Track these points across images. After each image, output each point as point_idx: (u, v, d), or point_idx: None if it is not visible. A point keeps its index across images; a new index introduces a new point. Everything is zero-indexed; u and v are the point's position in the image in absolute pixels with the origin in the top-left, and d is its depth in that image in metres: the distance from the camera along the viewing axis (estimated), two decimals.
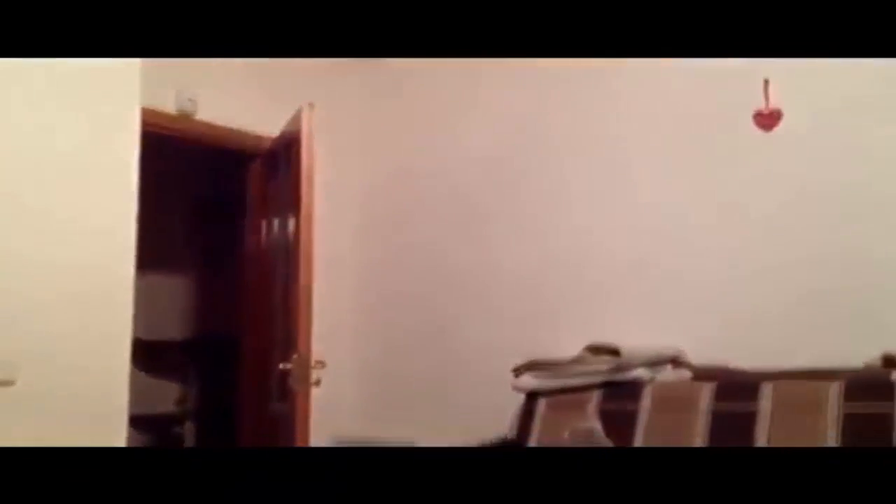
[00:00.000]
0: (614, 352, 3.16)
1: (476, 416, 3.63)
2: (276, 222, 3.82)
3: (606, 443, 2.63)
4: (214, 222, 5.16)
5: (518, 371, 3.36)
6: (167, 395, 5.44)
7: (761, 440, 2.80)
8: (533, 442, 3.19)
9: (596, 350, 3.23)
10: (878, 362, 2.87)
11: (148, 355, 4.89)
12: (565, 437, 2.71)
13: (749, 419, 2.87)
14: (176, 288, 5.62)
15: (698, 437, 2.90)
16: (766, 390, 2.90)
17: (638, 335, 3.25)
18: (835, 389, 2.80)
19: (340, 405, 3.98)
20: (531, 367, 3.34)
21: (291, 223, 3.53)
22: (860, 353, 2.88)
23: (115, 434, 2.97)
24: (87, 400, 2.90)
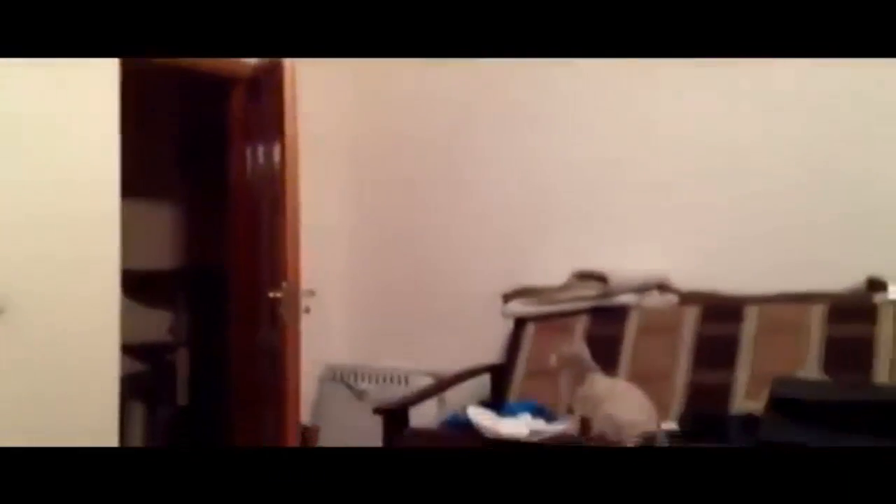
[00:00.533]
0: (601, 278, 3.18)
1: (466, 342, 3.66)
2: (260, 150, 3.78)
3: (593, 366, 2.66)
4: (201, 151, 5.11)
5: (507, 297, 3.40)
6: (159, 324, 5.48)
7: (745, 363, 2.84)
8: (521, 367, 3.24)
9: (583, 276, 3.25)
10: (863, 286, 2.90)
11: (139, 285, 4.92)
12: (552, 362, 2.74)
13: (733, 342, 2.91)
14: (164, 218, 5.59)
15: (683, 360, 2.95)
16: (751, 313, 2.94)
17: (625, 262, 3.27)
18: (818, 312, 2.83)
19: (331, 333, 4.01)
20: (520, 293, 3.37)
21: (276, 151, 3.50)
22: (845, 277, 2.90)
23: (107, 362, 3.01)
24: (79, 328, 2.94)
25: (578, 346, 2.83)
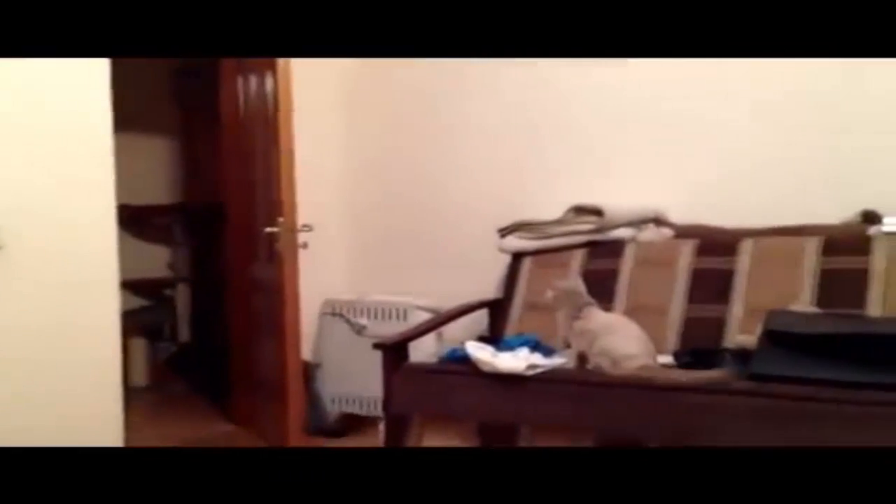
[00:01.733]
0: (597, 212, 3.19)
1: (463, 277, 3.69)
2: (253, 82, 3.73)
3: (589, 300, 2.69)
4: (195, 83, 5.04)
5: (504, 232, 3.40)
6: (158, 260, 5.50)
7: (739, 296, 2.87)
8: (518, 301, 3.26)
9: (579, 211, 3.25)
10: (857, 219, 2.91)
11: (135, 220, 4.92)
12: (548, 297, 2.76)
13: (728, 275, 2.93)
14: (161, 152, 5.57)
15: (678, 294, 2.97)
16: (746, 247, 2.95)
17: (621, 196, 3.27)
18: (812, 244, 2.85)
19: (329, 268, 4.03)
20: (516, 228, 3.37)
21: (269, 82, 3.45)
22: (839, 211, 2.91)
23: (107, 297, 3.03)
24: (77, 263, 2.94)
25: (574, 280, 2.85)
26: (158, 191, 5.46)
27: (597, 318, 2.65)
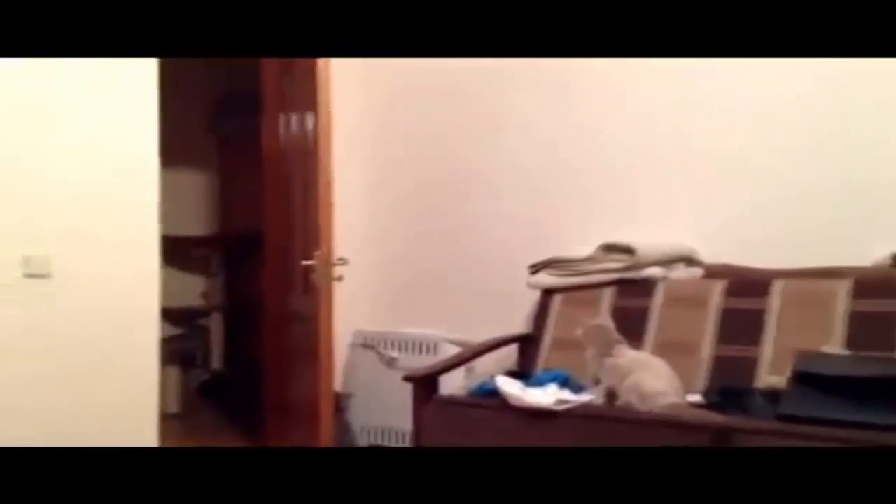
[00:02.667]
0: (628, 250, 3.22)
1: (494, 312, 3.71)
2: (293, 118, 3.84)
3: (619, 338, 2.71)
4: (234, 119, 5.17)
5: (534, 269, 3.44)
6: (192, 289, 5.61)
7: (769, 337, 2.87)
8: (548, 337, 3.30)
9: (610, 249, 3.28)
10: (889, 261, 2.91)
11: (173, 250, 5.02)
12: (578, 333, 2.80)
13: (758, 315, 2.93)
14: (199, 184, 5.69)
15: (708, 334, 2.99)
16: (777, 287, 2.96)
17: (652, 235, 3.31)
18: (844, 287, 2.85)
19: (361, 301, 4.08)
20: (547, 264, 3.41)
21: (310, 120, 3.55)
22: (871, 253, 2.92)
23: (148, 326, 3.11)
24: (120, 292, 3.03)
25: (603, 318, 2.88)
26: (194, 222, 5.58)
27: (627, 355, 2.68)
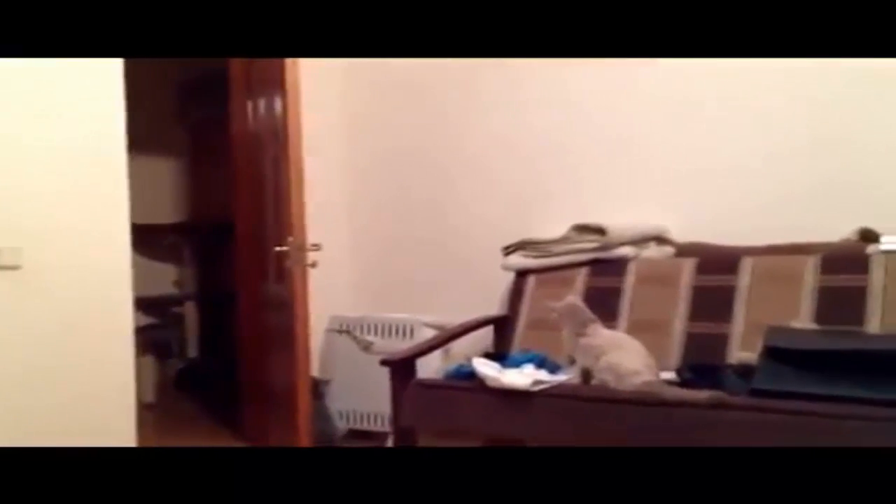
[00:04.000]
0: (600, 231, 3.24)
1: (468, 294, 3.74)
2: (262, 103, 3.81)
3: (591, 317, 2.74)
4: (203, 104, 5.12)
5: (508, 250, 3.46)
6: (164, 277, 5.56)
7: (740, 313, 2.92)
8: (523, 319, 3.32)
9: (583, 229, 3.31)
10: (855, 237, 2.96)
11: (142, 238, 4.98)
12: (551, 313, 2.82)
13: (729, 292, 2.98)
14: (166, 171, 5.64)
15: (680, 311, 3.03)
16: (746, 265, 3.00)
17: (623, 215, 3.34)
18: (811, 263, 2.90)
19: (336, 286, 4.08)
20: (520, 246, 3.43)
21: (278, 104, 3.52)
22: (838, 229, 2.97)
23: (121, 315, 3.09)
24: (92, 282, 3.00)
25: (574, 298, 2.90)
26: (164, 209, 5.53)
27: (602, 334, 2.71)
